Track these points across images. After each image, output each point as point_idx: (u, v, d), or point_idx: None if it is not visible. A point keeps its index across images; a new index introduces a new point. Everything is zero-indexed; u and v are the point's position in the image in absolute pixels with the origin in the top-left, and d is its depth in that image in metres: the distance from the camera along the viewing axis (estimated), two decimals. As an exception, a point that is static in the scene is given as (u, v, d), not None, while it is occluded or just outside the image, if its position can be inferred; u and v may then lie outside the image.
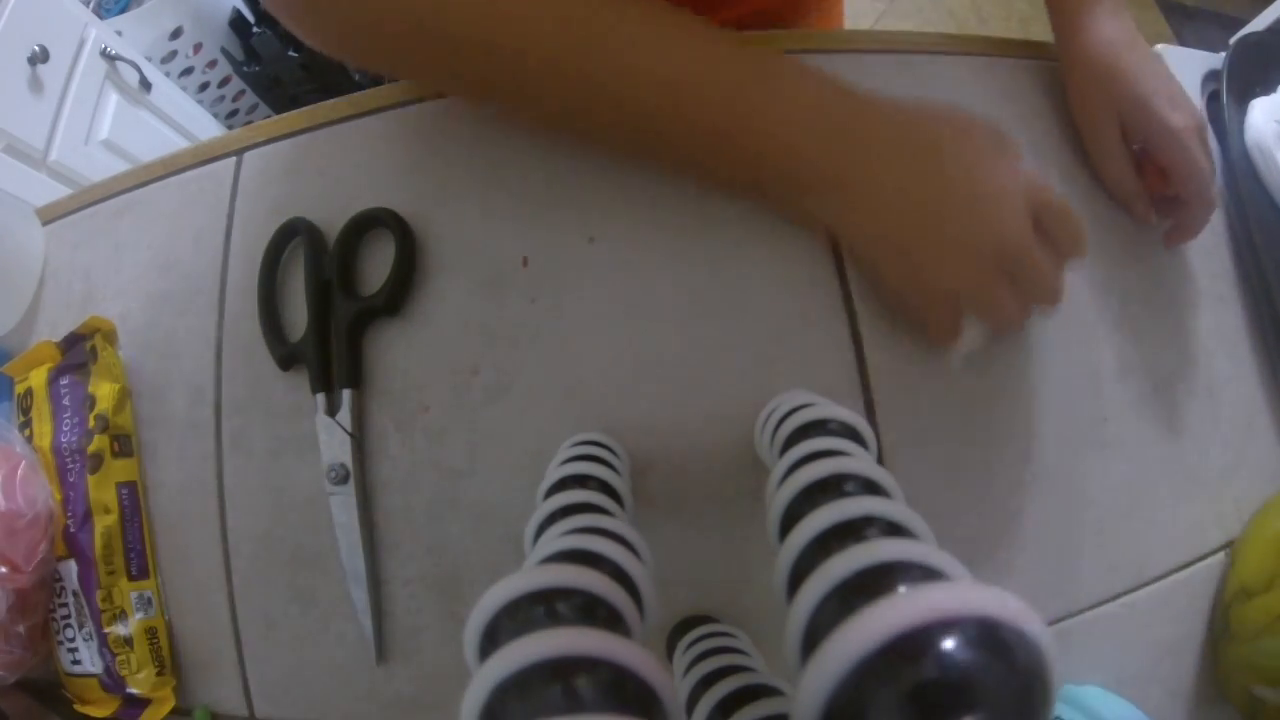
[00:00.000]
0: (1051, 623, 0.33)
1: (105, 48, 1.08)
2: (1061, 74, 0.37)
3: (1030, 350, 0.34)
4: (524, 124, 0.35)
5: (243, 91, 1.41)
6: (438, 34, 0.29)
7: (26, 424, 0.38)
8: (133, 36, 1.18)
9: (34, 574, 0.33)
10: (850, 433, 0.24)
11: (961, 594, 0.12)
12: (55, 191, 0.95)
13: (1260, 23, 1.00)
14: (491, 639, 0.16)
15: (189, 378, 0.37)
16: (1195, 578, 0.35)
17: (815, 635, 0.14)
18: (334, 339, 0.35)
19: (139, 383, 0.37)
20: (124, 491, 0.36)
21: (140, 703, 0.35)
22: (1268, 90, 0.41)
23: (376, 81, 0.39)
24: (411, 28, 0.29)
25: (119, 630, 0.34)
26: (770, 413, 0.29)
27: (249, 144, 0.39)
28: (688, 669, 0.25)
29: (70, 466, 0.36)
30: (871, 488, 0.19)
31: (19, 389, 0.39)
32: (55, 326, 0.39)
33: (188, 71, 1.31)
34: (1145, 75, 0.35)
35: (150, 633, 0.35)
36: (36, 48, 0.96)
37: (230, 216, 0.38)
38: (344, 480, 0.33)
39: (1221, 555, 0.36)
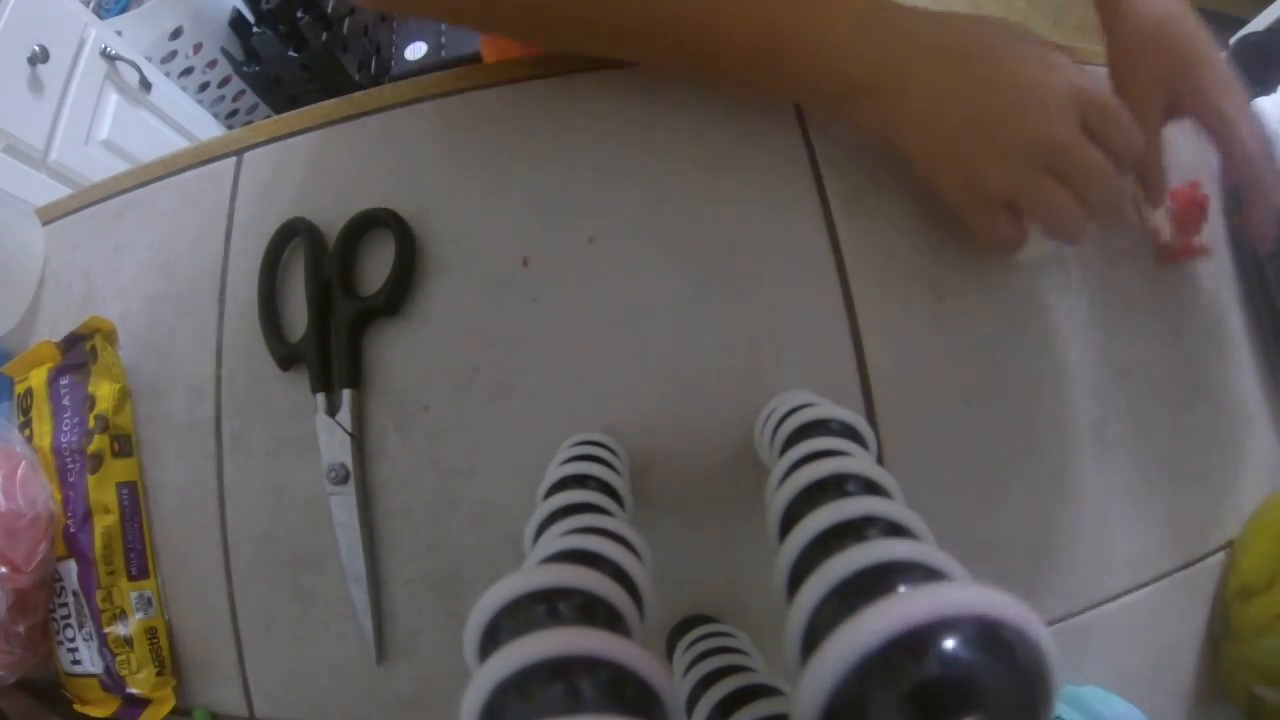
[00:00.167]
0: (1051, 623, 0.33)
1: (105, 48, 1.08)
2: (1105, 38, 0.35)
3: (1030, 350, 0.34)
4: (568, 48, 0.36)
5: (243, 91, 1.41)
6: None
7: (26, 424, 0.38)
8: (133, 36, 1.18)
9: (34, 574, 0.33)
10: (850, 433, 0.24)
11: (962, 594, 0.12)
12: (55, 191, 0.95)
13: (1260, 23, 1.00)
14: (492, 639, 0.16)
15: (189, 378, 0.37)
16: (1195, 578, 0.35)
17: (815, 635, 0.14)
18: (334, 339, 0.35)
19: (139, 383, 0.37)
20: (124, 491, 0.36)
21: (140, 703, 0.35)
22: (1268, 90, 0.41)
23: (376, 81, 0.39)
24: None
25: (119, 630, 0.34)
26: (770, 413, 0.29)
27: (249, 144, 0.39)
28: (688, 669, 0.25)
29: (70, 466, 0.36)
30: (871, 488, 0.19)
31: (19, 389, 0.39)
32: (55, 326, 0.39)
33: (188, 71, 1.31)
34: (1199, 46, 0.33)
35: (150, 633, 0.35)
36: (36, 48, 0.96)
37: (230, 216, 0.38)
38: (344, 480, 0.33)
39: (1221, 555, 0.36)
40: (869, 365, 0.33)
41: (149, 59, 1.21)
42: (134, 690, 0.34)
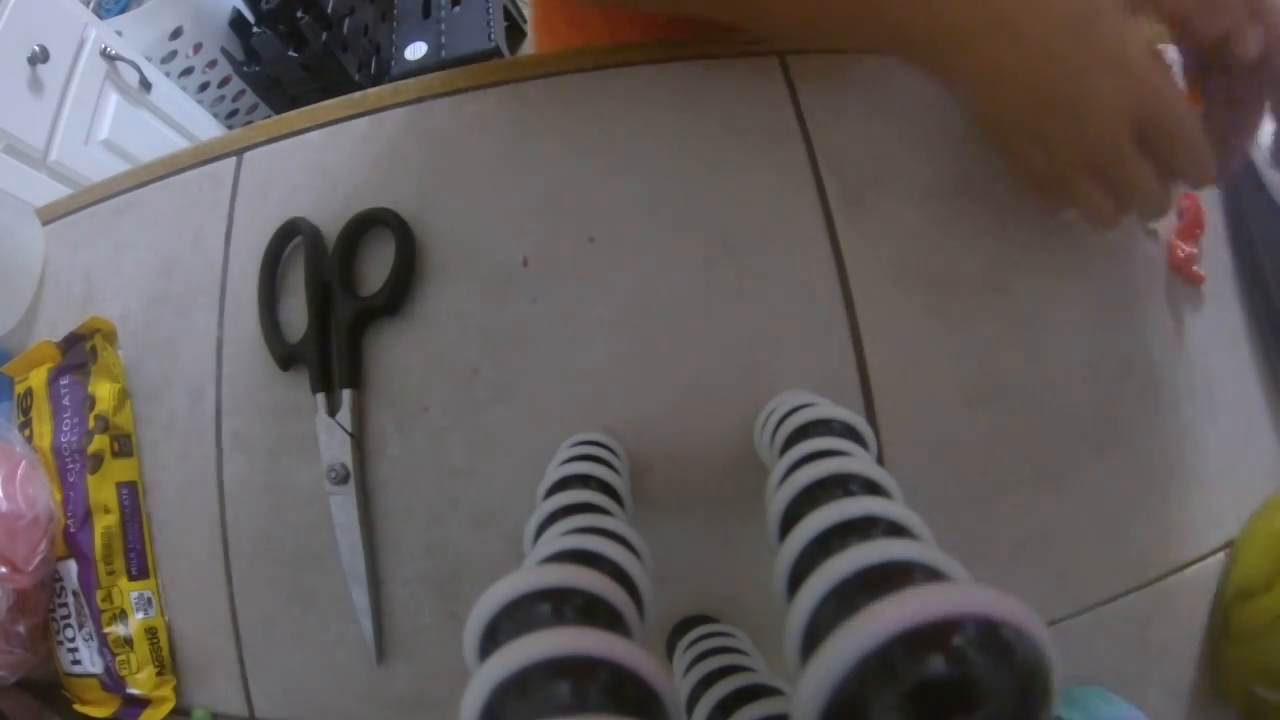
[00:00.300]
0: (1051, 623, 0.33)
1: (105, 48, 1.08)
2: None
3: (1030, 349, 0.34)
4: (680, 10, 0.35)
5: (243, 91, 1.41)
6: None
7: (26, 424, 0.38)
8: (133, 36, 1.19)
9: (34, 574, 0.33)
10: (850, 433, 0.24)
11: (962, 594, 0.12)
12: (55, 191, 0.95)
13: (1260, 23, 0.99)
14: (491, 639, 0.16)
15: (189, 378, 0.37)
16: (1195, 578, 0.35)
17: (815, 635, 0.14)
18: (334, 339, 0.35)
19: (139, 383, 0.37)
20: (124, 491, 0.36)
21: (140, 703, 0.35)
22: (1268, 90, 0.41)
23: (376, 81, 0.39)
24: None
25: (119, 630, 0.34)
26: (770, 413, 0.29)
27: (249, 144, 0.39)
28: (688, 669, 0.25)
29: (70, 466, 0.36)
30: (871, 488, 0.19)
31: (19, 389, 0.39)
32: (55, 326, 0.39)
33: (188, 71, 1.31)
34: None
35: (150, 633, 0.35)
36: (36, 48, 0.96)
37: (230, 216, 0.38)
38: (344, 480, 0.33)
39: (1221, 555, 0.36)
40: (869, 365, 0.33)
41: (149, 59, 1.21)
42: (134, 690, 0.34)
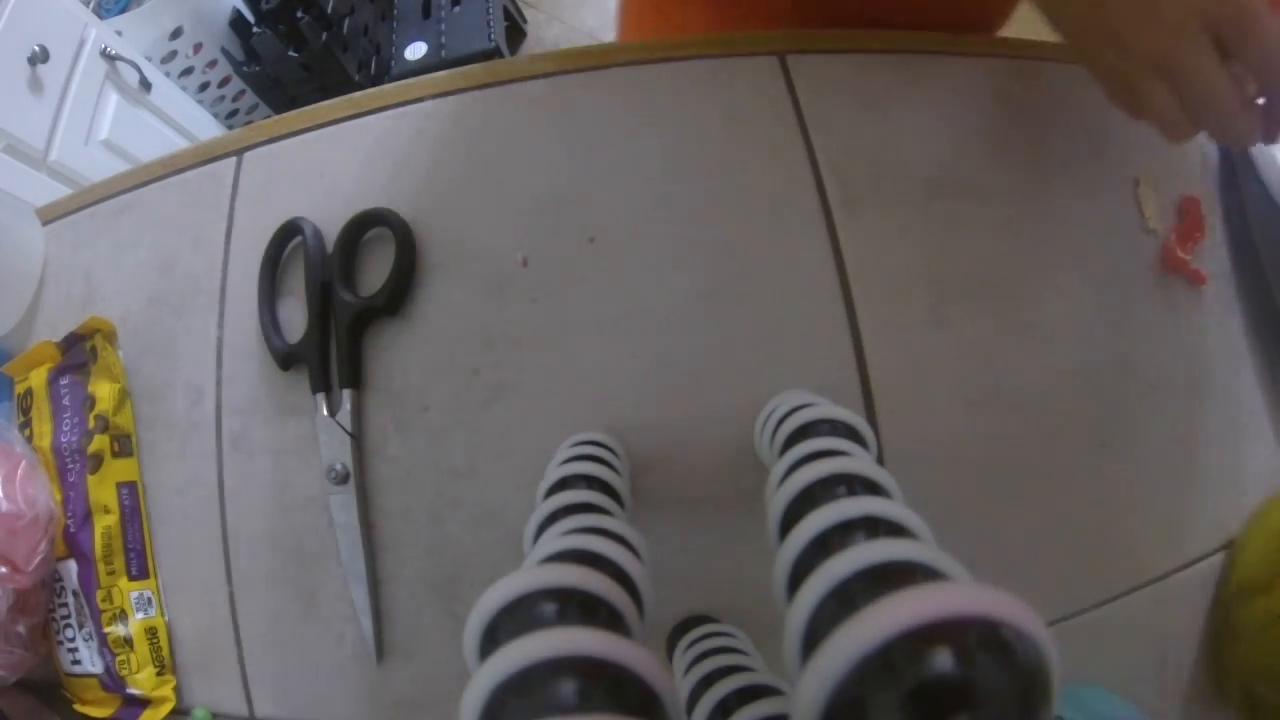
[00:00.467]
0: (1051, 623, 0.33)
1: (105, 48, 1.08)
2: None
3: (1031, 350, 0.34)
4: None
5: (243, 91, 1.41)
6: None
7: (26, 424, 0.38)
8: (133, 36, 1.18)
9: (34, 574, 0.33)
10: (850, 433, 0.24)
11: (962, 594, 0.12)
12: (55, 191, 0.95)
13: None
14: (491, 638, 0.16)
15: (189, 378, 0.37)
16: (1195, 578, 0.35)
17: (815, 635, 0.14)
18: (334, 339, 0.35)
19: (139, 383, 0.37)
20: (124, 491, 0.36)
21: (140, 703, 0.35)
22: (1268, 90, 0.41)
23: (376, 81, 0.39)
24: None
25: (119, 630, 0.34)
26: (770, 413, 0.29)
27: (249, 144, 0.39)
28: (688, 669, 0.25)
29: (70, 466, 0.36)
30: (872, 488, 0.19)
31: (19, 389, 0.39)
32: (55, 326, 0.39)
33: (188, 71, 1.30)
34: None
35: (150, 633, 0.35)
36: (36, 48, 0.96)
37: (230, 216, 0.38)
38: (344, 480, 0.33)
39: (1221, 555, 0.36)
40: (869, 365, 0.33)
41: (149, 59, 1.20)
42: (134, 690, 0.34)
